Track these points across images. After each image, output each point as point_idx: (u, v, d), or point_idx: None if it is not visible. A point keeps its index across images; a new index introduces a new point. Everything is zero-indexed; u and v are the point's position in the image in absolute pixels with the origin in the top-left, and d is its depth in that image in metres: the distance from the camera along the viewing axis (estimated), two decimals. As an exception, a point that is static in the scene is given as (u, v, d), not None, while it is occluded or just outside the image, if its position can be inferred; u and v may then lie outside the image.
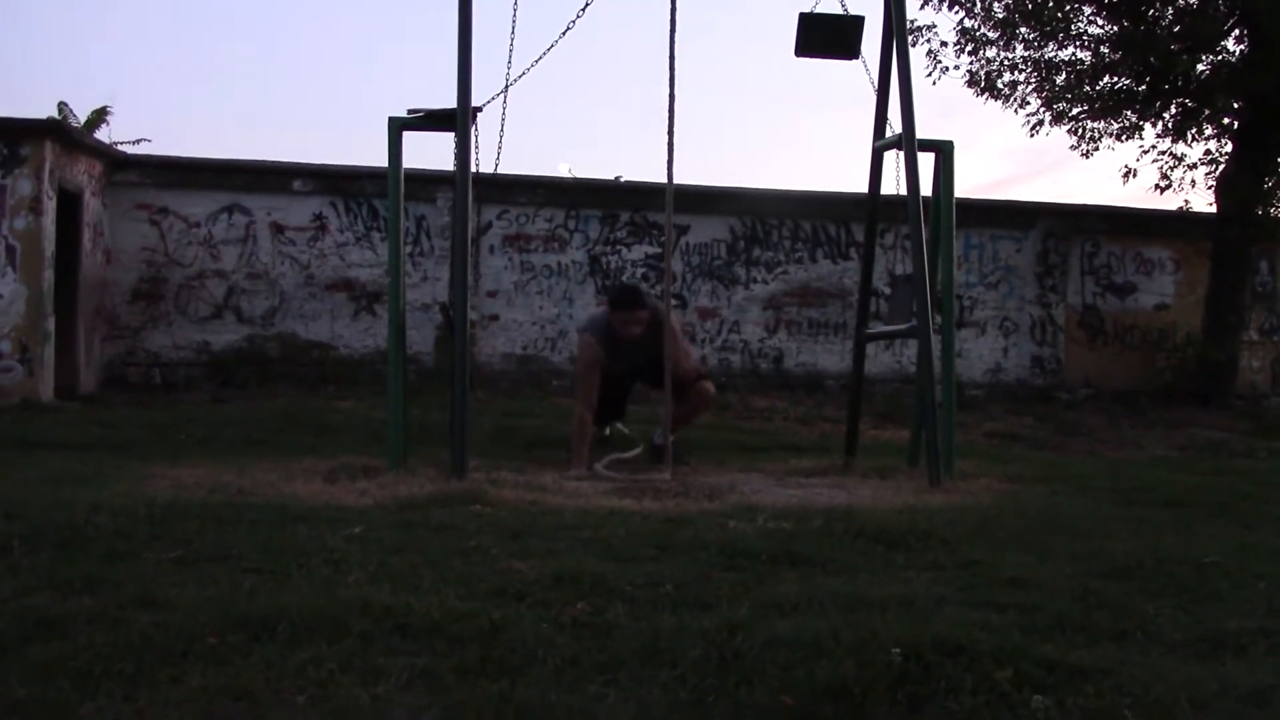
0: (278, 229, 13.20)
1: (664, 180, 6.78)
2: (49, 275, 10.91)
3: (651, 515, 5.20)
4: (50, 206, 10.93)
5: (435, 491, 5.67)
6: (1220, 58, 14.08)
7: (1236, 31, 13.88)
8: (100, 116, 20.28)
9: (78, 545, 4.03)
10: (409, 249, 13.14)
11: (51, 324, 10.98)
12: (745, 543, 4.40)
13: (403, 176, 6.85)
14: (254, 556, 3.93)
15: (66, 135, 11.89)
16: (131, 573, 3.65)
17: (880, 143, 7.55)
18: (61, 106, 20.11)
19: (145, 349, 12.86)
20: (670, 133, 6.63)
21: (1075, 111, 14.67)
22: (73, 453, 7.22)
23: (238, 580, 3.59)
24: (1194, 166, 14.85)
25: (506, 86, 6.76)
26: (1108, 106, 14.40)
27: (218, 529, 4.38)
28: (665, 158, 6.67)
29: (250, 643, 2.93)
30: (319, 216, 13.28)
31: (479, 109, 6.69)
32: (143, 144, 19.43)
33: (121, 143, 18.22)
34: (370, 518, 4.84)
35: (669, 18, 6.64)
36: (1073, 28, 14.11)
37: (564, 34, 6.79)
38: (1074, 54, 14.33)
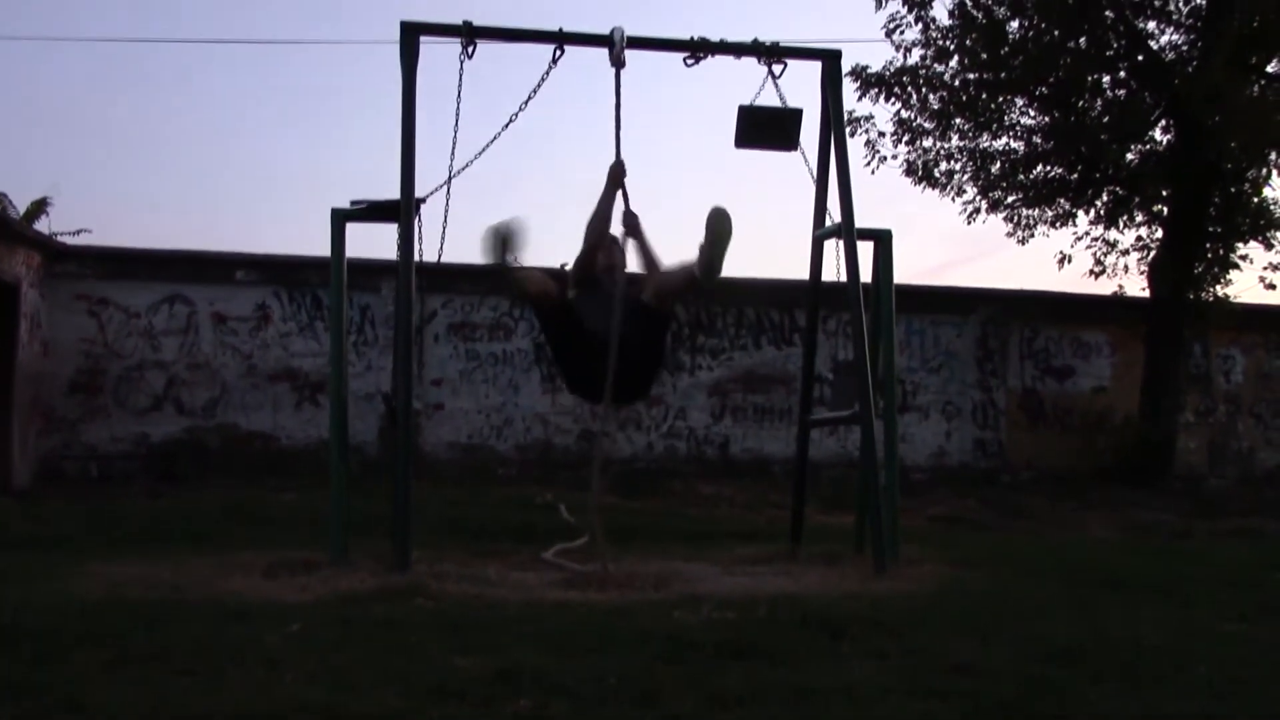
0: (220, 319, 13.11)
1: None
2: (-16, 368, 10.73)
3: (596, 607, 5.16)
4: (-14, 299, 10.79)
5: (377, 586, 5.59)
6: (1149, 147, 14.51)
7: (1164, 122, 14.31)
8: (40, 208, 20.04)
9: (3, 647, 3.92)
10: (353, 338, 13.08)
11: (-14, 417, 10.78)
12: (690, 634, 4.37)
13: (346, 267, 6.84)
14: (188, 657, 3.84)
15: (4, 227, 11.80)
16: (59, 676, 3.55)
17: (820, 231, 7.65)
18: (0, 198, 19.91)
19: (82, 442, 12.64)
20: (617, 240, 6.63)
21: (1010, 200, 15.00)
22: (3, 550, 7.05)
23: (170, 682, 3.50)
24: (1126, 252, 15.24)
25: (450, 178, 6.80)
26: (1041, 195, 14.76)
27: (151, 628, 4.28)
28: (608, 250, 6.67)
29: (181, 747, 2.85)
30: (262, 306, 13.20)
31: (422, 200, 6.71)
32: (83, 234, 19.18)
33: (61, 233, 17.98)
34: (309, 614, 4.75)
35: (614, 114, 6.72)
36: (1006, 119, 14.50)
37: (506, 126, 6.84)
38: (1008, 144, 14.71)
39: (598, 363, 6.20)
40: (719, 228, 6.09)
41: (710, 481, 12.91)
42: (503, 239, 6.06)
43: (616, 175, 6.59)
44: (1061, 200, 14.89)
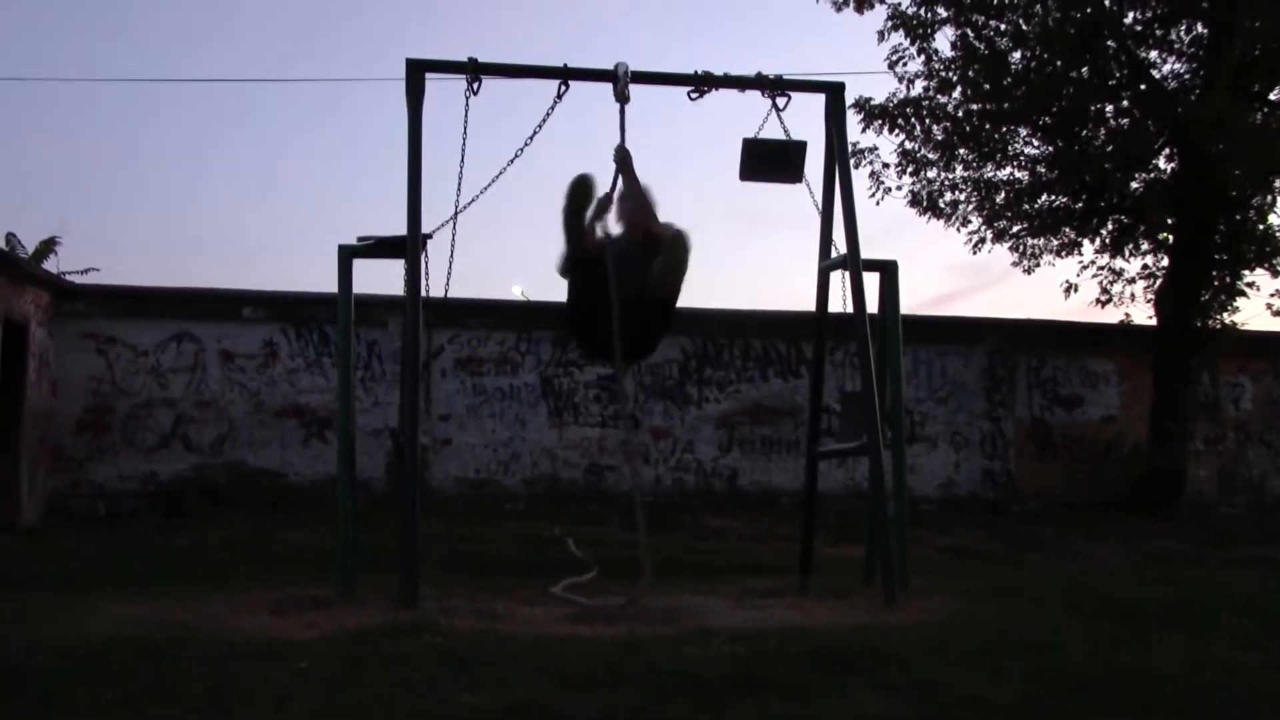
0: (227, 356, 13.14)
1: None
2: (-8, 407, 10.76)
3: (605, 641, 5.13)
4: (-5, 338, 10.83)
5: (385, 622, 5.57)
6: (1153, 175, 14.53)
7: (1167, 150, 14.34)
8: (48, 247, 20.17)
9: (13, 687, 3.91)
10: (360, 374, 13.10)
11: (-6, 456, 10.80)
12: (700, 669, 4.35)
13: (353, 303, 6.85)
14: (197, 695, 3.83)
15: (13, 266, 11.85)
16: (68, 715, 3.55)
17: (826, 263, 7.66)
18: (10, 238, 20.03)
19: (90, 480, 12.64)
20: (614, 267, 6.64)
21: (1015, 229, 15.02)
22: (11, 589, 7.03)
23: (178, 721, 3.50)
24: (1133, 281, 15.22)
25: (456, 214, 6.83)
26: (1046, 224, 14.78)
27: (160, 667, 4.27)
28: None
29: (189, 787, 2.84)
30: (269, 343, 13.24)
31: (429, 236, 6.74)
32: (91, 273, 19.32)
33: (70, 272, 18.10)
34: (317, 651, 4.73)
35: (617, 150, 6.75)
36: (1010, 149, 14.54)
37: (512, 161, 6.88)
38: (1012, 174, 14.75)
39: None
40: (676, 254, 6.17)
41: (718, 514, 12.88)
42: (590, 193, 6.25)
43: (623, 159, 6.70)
44: (1067, 229, 14.91)
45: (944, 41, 14.10)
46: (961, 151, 14.43)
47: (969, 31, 13.89)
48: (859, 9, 14.02)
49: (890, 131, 14.34)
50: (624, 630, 5.62)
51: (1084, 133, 14.27)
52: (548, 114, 6.89)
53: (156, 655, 4.48)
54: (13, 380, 11.36)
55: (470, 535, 10.56)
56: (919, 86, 14.31)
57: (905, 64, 14.25)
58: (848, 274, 7.16)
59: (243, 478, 12.96)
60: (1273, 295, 14.53)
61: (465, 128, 6.80)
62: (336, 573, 6.59)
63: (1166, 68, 14.40)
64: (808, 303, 8.06)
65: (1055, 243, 15.15)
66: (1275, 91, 14.00)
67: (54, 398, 12.48)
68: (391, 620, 5.62)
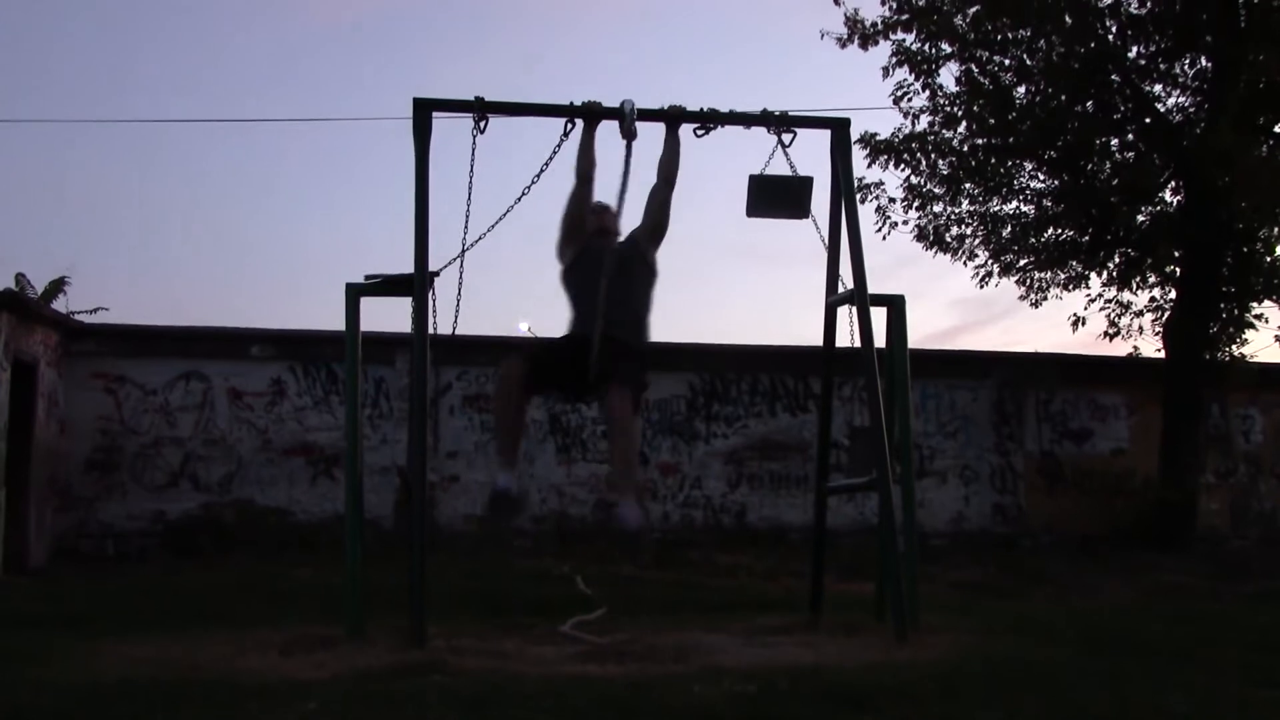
0: (235, 394, 13.17)
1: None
2: (2, 447, 10.77)
3: (615, 680, 5.09)
4: (4, 378, 10.87)
5: (394, 662, 5.53)
6: (1159, 208, 14.54)
7: (1173, 183, 14.36)
8: (58, 287, 20.30)
9: (19, 730, 3.89)
10: (368, 412, 13.11)
11: (2, 496, 10.80)
12: (712, 708, 4.31)
13: (360, 341, 6.86)
14: (204, 737, 3.80)
15: (23, 307, 11.90)
16: (75, 759, 3.52)
17: (833, 298, 7.65)
18: (19, 278, 20.15)
19: (98, 520, 12.65)
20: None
21: (1022, 263, 15.04)
22: (18, 629, 7.01)
23: (186, 764, 3.47)
24: (1140, 314, 15.21)
25: (463, 251, 6.83)
26: (1053, 257, 14.79)
27: (167, 708, 4.24)
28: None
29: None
30: (277, 381, 13.27)
31: (435, 273, 6.74)
32: (100, 313, 19.45)
33: (79, 312, 18.23)
34: (326, 692, 4.70)
35: (620, 183, 6.78)
36: (1015, 182, 14.58)
37: (519, 199, 6.87)
38: (1018, 207, 14.80)
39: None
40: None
41: (728, 551, 12.83)
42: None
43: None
44: (1073, 263, 14.91)
45: (948, 77, 14.20)
46: (967, 186, 14.48)
47: (973, 67, 13.97)
48: (863, 45, 14.09)
49: (896, 166, 14.40)
50: (634, 669, 5.58)
51: (1089, 166, 14.30)
52: (554, 153, 6.90)
53: (165, 696, 4.45)
54: (22, 420, 11.39)
55: (478, 573, 10.52)
56: (924, 121, 14.40)
57: (910, 99, 14.34)
58: (855, 309, 7.16)
59: (251, 516, 12.96)
60: (1281, 327, 14.50)
61: (472, 166, 6.81)
62: (345, 612, 6.56)
63: (1171, 101, 14.48)
64: (815, 338, 8.05)
65: (1062, 276, 15.16)
66: (1280, 124, 14.03)
67: (63, 437, 12.50)
68: (401, 660, 5.58)
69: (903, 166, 14.39)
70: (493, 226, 6.89)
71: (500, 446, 6.95)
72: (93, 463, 12.74)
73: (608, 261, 6.49)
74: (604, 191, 6.98)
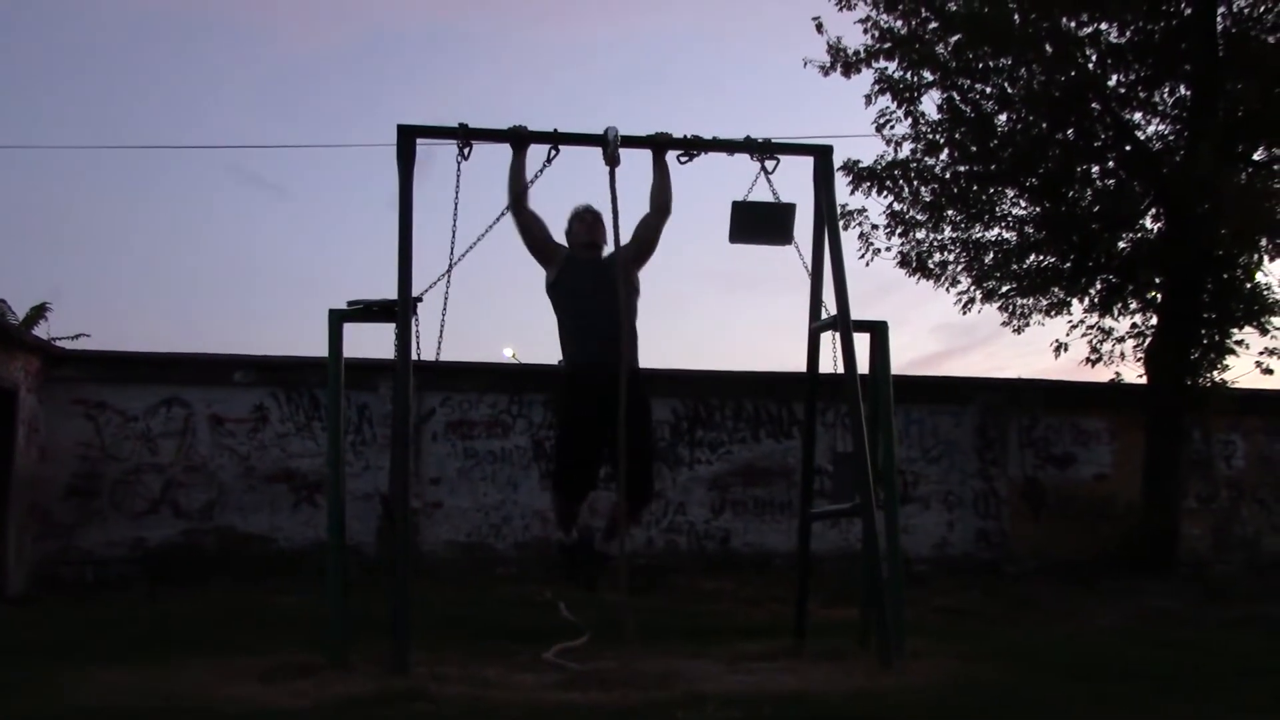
0: (217, 421, 13.09)
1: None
2: (-19, 473, 10.70)
3: (599, 708, 5.07)
4: (-15, 404, 10.79)
5: (376, 690, 5.50)
6: (1140, 235, 14.63)
7: (1154, 210, 14.44)
8: (39, 313, 20.21)
9: (-4, 761, 3.85)
10: (351, 438, 13.05)
11: (-19, 523, 10.71)
12: (694, 734, 4.29)
13: (343, 367, 6.84)
14: (183, 767, 3.76)
15: (3, 332, 11.85)
16: (52, 789, 3.48)
17: (816, 324, 7.67)
18: (0, 304, 20.06)
19: (78, 547, 12.54)
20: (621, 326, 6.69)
21: (1004, 289, 15.07)
22: (-4, 658, 6.95)
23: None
24: (1122, 340, 15.22)
25: (446, 274, 6.83)
26: (1035, 284, 14.83)
27: (146, 738, 4.20)
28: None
29: None
30: (260, 407, 13.20)
31: (418, 299, 6.74)
32: (82, 339, 19.38)
33: (60, 338, 18.14)
34: (307, 720, 4.67)
35: (611, 209, 6.79)
36: (997, 209, 14.63)
37: (497, 219, 6.88)
38: (1000, 234, 14.83)
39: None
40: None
41: (711, 576, 12.79)
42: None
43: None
44: (1055, 289, 14.95)
45: (930, 105, 14.26)
46: (950, 213, 14.53)
47: (955, 95, 14.05)
48: (846, 73, 14.15)
49: (879, 193, 14.43)
50: (617, 696, 5.55)
51: (1071, 194, 14.38)
52: (536, 176, 6.94)
53: (143, 726, 4.41)
54: (2, 446, 11.31)
55: (461, 600, 10.47)
56: (906, 149, 14.44)
57: (893, 127, 14.38)
58: (838, 335, 7.17)
59: (232, 543, 12.87)
60: (1262, 354, 14.54)
61: (457, 194, 6.83)
62: (327, 639, 6.52)
63: (1151, 129, 14.54)
64: (799, 363, 8.07)
65: (1044, 302, 15.19)
66: (1260, 152, 14.14)
67: (43, 463, 12.41)
68: (383, 687, 5.55)
69: (885, 193, 14.43)
70: (472, 246, 6.87)
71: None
72: (73, 489, 12.64)
73: (622, 298, 6.61)
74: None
